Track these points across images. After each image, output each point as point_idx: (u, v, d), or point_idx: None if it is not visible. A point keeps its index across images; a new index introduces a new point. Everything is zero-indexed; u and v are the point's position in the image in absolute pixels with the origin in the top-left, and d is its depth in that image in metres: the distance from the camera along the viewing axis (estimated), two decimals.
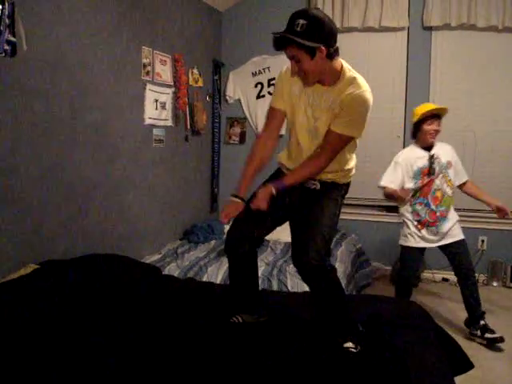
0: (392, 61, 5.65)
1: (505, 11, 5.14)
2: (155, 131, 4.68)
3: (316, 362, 2.46)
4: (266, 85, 5.91)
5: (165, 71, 4.76)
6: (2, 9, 2.86)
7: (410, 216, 4.13)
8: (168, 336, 2.67)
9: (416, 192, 4.08)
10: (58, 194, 3.50)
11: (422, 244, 4.13)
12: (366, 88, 2.55)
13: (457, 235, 4.11)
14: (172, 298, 3.25)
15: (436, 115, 4.02)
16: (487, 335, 3.88)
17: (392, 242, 5.65)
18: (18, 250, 3.20)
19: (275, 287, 3.96)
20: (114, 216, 4.16)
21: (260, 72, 5.93)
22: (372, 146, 5.71)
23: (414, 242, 4.12)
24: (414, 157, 4.08)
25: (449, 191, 4.07)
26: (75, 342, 2.48)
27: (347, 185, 2.87)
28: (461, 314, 4.49)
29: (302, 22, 2.40)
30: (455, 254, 4.10)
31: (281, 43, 2.47)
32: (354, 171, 2.87)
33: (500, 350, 3.81)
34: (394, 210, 5.74)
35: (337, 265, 4.49)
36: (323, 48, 2.42)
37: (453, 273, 5.44)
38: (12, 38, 2.94)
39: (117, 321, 2.79)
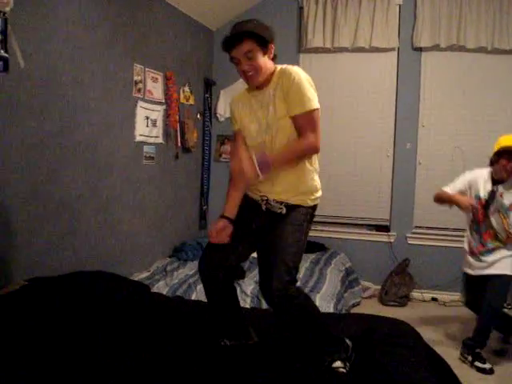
0: (382, 81, 5.69)
1: (494, 33, 5.21)
2: (146, 148, 4.68)
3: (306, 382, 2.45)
4: None
5: (156, 89, 4.78)
6: None
7: (466, 240, 4.09)
8: (156, 355, 2.65)
9: (474, 220, 4.00)
10: (47, 210, 3.49)
11: (469, 271, 4.03)
12: (292, 67, 2.63)
13: (500, 268, 3.87)
14: (160, 316, 3.22)
15: None
16: (477, 363, 3.82)
17: (381, 261, 5.67)
18: (7, 266, 3.17)
19: (264, 305, 3.94)
20: (103, 233, 4.14)
21: None
22: (362, 165, 5.74)
23: (464, 267, 4.07)
24: (482, 181, 3.95)
25: (503, 233, 3.84)
26: (63, 360, 2.45)
27: (314, 208, 2.78)
28: (450, 333, 4.49)
29: (255, 21, 2.63)
30: (490, 287, 3.89)
31: (238, 37, 2.56)
32: (320, 192, 2.79)
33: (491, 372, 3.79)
34: (383, 229, 5.77)
35: (326, 284, 4.49)
36: (272, 46, 2.64)
37: (441, 292, 5.51)
38: (4, 54, 2.94)
39: (105, 339, 2.77)
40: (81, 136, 3.78)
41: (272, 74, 2.66)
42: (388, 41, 5.50)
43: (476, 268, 4.00)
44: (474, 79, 5.47)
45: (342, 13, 5.54)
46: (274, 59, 2.68)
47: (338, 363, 2.60)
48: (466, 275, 4.11)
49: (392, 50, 5.60)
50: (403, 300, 5.38)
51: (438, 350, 3.11)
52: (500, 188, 3.86)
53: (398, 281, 5.40)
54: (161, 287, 4.22)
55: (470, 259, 4.01)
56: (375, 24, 5.46)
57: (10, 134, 3.13)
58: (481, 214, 3.92)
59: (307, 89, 2.58)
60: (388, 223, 5.78)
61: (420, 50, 5.52)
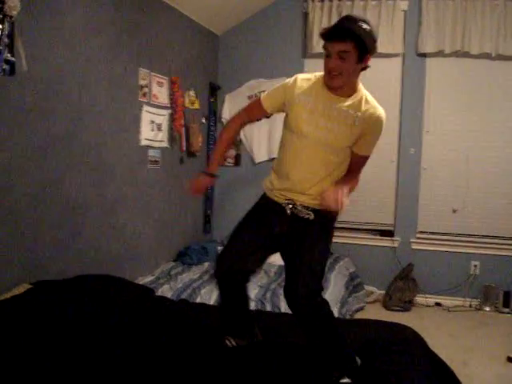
0: (386, 86, 5.69)
1: (498, 39, 5.22)
2: (151, 152, 4.69)
3: None
4: None
5: (162, 93, 4.79)
6: (2, 28, 2.88)
7: None
8: (161, 358, 2.66)
9: None
10: (52, 213, 3.50)
11: None
12: (382, 109, 2.61)
13: None
14: (165, 319, 3.23)
15: None
16: None
17: (385, 265, 5.68)
18: (12, 268, 3.18)
19: (268, 310, 3.95)
20: (108, 236, 4.15)
21: (255, 95, 5.93)
22: (366, 170, 5.70)
23: None
24: None
25: None
26: (67, 364, 2.46)
27: (337, 212, 2.73)
28: (454, 338, 4.48)
29: (365, 26, 2.43)
30: None
31: (341, 34, 2.41)
32: None
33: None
34: (387, 234, 5.77)
35: (330, 288, 4.49)
36: (369, 57, 2.49)
37: (445, 297, 5.51)
38: (11, 58, 2.97)
39: (110, 342, 2.77)
40: (86, 140, 3.79)
41: (354, 88, 2.57)
42: (393, 46, 5.50)
43: None
44: (479, 85, 5.47)
45: None
46: (363, 70, 2.57)
47: (345, 380, 2.57)
48: None
49: (397, 55, 5.61)
50: (407, 305, 5.37)
51: (442, 355, 3.11)
52: None
53: (402, 286, 5.40)
54: (165, 291, 4.23)
55: None
56: (380, 30, 5.46)
57: (16, 136, 3.14)
58: None
59: (379, 137, 2.66)
60: (392, 228, 5.78)
61: (424, 55, 5.53)
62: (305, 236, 2.61)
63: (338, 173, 2.67)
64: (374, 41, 2.47)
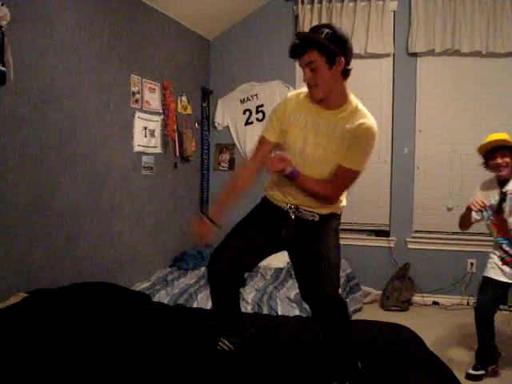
0: (378, 87, 5.71)
1: (488, 37, 5.24)
2: (144, 158, 4.69)
3: None
4: (254, 111, 5.94)
5: (154, 99, 4.79)
6: None
7: (495, 249, 3.75)
8: (158, 364, 2.65)
9: (492, 232, 3.69)
10: (46, 221, 3.49)
11: (502, 278, 3.71)
12: (373, 120, 2.53)
13: None
14: (162, 325, 3.22)
15: (499, 146, 3.60)
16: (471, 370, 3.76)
17: (382, 265, 5.68)
18: (7, 278, 3.17)
19: (265, 313, 3.94)
20: (104, 244, 4.14)
21: (248, 99, 5.97)
22: None
23: (493, 273, 3.74)
24: (490, 190, 3.72)
25: None
26: (67, 371, 2.45)
27: (341, 213, 2.78)
28: (452, 337, 4.49)
29: (327, 30, 2.39)
30: None
31: (301, 47, 2.41)
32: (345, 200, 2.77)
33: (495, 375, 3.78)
34: (383, 234, 5.77)
35: None
36: (343, 59, 2.41)
37: (442, 296, 5.51)
38: (1, 67, 2.96)
39: (107, 349, 2.76)
40: (79, 147, 3.79)
41: (343, 98, 2.53)
42: (383, 46, 5.52)
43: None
44: (470, 83, 5.49)
45: (336, 20, 5.56)
46: (345, 76, 2.50)
47: None
48: (487, 280, 3.79)
49: (387, 55, 5.62)
50: (404, 305, 5.38)
51: (440, 354, 3.11)
52: (507, 189, 3.63)
53: (399, 285, 5.41)
54: (162, 297, 4.22)
55: (505, 267, 3.68)
56: (370, 30, 5.48)
57: (8, 146, 3.14)
58: (501, 221, 3.61)
59: (369, 152, 2.55)
60: (388, 228, 5.78)
61: (415, 55, 5.55)
62: (317, 238, 2.62)
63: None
64: (342, 41, 2.42)
